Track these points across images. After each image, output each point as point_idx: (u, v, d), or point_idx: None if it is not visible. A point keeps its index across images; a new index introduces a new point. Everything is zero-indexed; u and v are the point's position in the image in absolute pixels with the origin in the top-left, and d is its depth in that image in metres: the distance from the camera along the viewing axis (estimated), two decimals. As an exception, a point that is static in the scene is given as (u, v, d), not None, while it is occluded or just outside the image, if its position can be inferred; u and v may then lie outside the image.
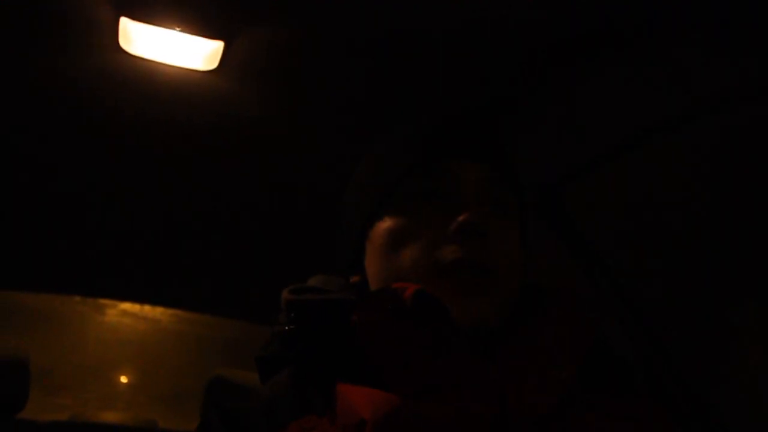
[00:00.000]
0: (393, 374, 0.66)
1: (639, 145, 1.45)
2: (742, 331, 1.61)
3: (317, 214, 1.94)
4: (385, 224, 0.78)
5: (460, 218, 0.73)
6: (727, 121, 1.34)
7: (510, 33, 1.30)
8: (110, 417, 2.64)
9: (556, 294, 0.78)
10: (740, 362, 1.62)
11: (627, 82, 1.34)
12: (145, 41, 1.40)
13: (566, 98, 1.45)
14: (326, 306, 0.77)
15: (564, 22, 1.26)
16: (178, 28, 1.36)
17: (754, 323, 1.57)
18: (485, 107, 1.46)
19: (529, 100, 1.47)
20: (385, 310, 0.69)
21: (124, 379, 5.26)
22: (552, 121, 1.50)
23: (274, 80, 1.51)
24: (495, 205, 0.78)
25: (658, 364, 1.64)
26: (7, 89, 1.60)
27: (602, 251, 1.68)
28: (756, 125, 1.32)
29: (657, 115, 1.35)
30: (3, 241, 2.11)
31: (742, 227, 1.51)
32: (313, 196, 1.91)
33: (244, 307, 2.43)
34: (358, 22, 1.32)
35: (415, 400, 0.63)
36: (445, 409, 0.62)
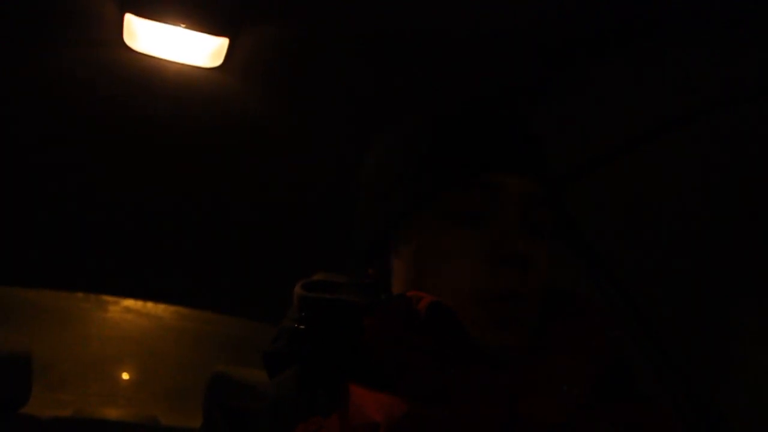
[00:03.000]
0: (403, 379, 0.66)
1: (640, 144, 1.45)
2: (745, 331, 1.61)
3: (320, 211, 1.95)
4: (419, 240, 0.73)
5: (503, 250, 0.69)
6: (727, 121, 1.34)
7: (511, 34, 1.31)
8: (112, 413, 2.65)
9: (577, 305, 0.75)
10: (743, 363, 1.62)
11: (627, 82, 1.35)
12: (150, 38, 1.41)
13: (567, 98, 1.45)
14: (339, 307, 0.74)
15: (564, 23, 1.26)
16: (182, 25, 1.37)
17: (757, 324, 1.57)
18: (523, 111, 1.46)
19: (529, 100, 1.47)
20: (398, 320, 0.68)
21: (126, 376, 5.25)
22: (552, 121, 1.51)
23: (278, 77, 1.52)
24: (535, 226, 0.73)
25: (660, 366, 1.64)
26: (11, 85, 1.61)
27: (603, 251, 1.68)
28: (756, 125, 1.32)
29: (657, 115, 1.36)
30: (6, 237, 2.12)
31: (743, 227, 1.51)
32: (316, 193, 1.92)
33: (247, 305, 2.43)
34: (362, 21, 1.33)
35: (425, 406, 0.63)
36: (455, 415, 0.62)
